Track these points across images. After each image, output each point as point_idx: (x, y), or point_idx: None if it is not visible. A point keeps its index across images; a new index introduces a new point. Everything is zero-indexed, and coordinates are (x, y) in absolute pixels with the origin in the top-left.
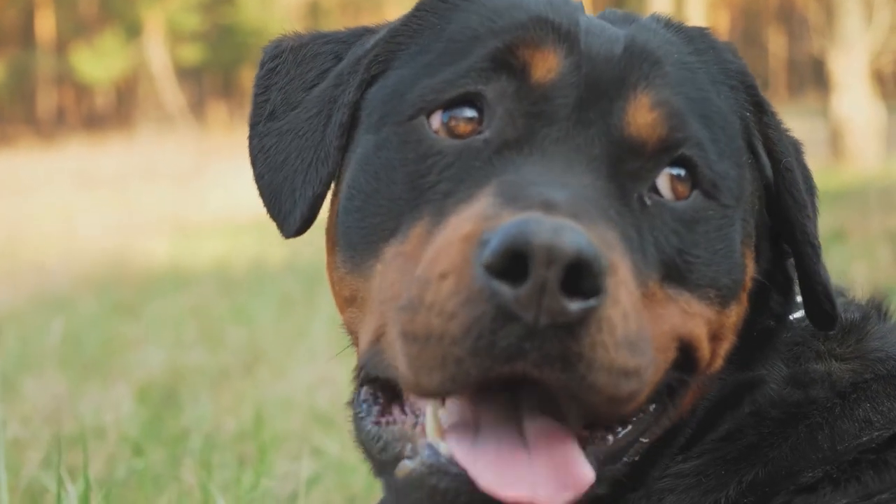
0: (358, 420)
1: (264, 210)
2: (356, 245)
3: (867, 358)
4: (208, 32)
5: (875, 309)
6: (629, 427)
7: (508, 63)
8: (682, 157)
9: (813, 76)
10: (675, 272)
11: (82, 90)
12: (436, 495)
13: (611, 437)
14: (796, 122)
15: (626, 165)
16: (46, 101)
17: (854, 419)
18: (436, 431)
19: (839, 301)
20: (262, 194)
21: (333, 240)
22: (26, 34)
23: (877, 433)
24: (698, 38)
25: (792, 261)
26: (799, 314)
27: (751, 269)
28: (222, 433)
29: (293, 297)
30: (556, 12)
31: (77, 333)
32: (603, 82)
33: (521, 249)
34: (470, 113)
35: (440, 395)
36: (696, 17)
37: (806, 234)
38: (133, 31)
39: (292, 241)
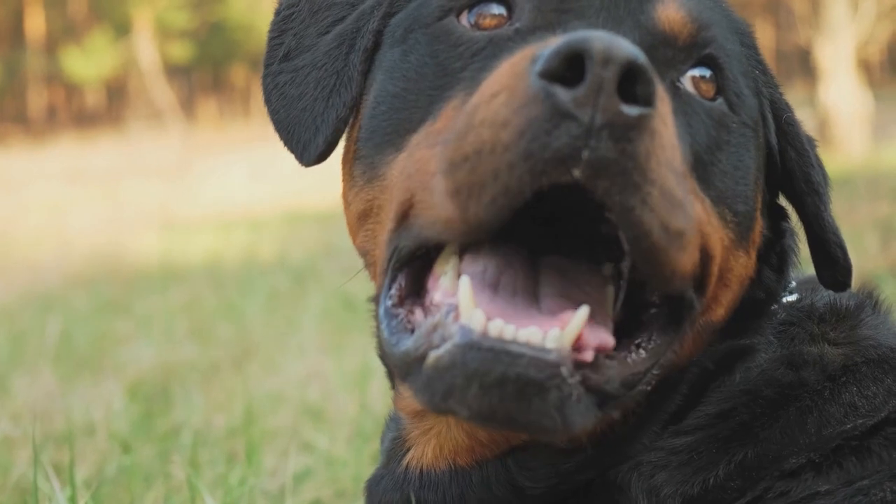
0: (384, 323)
1: (283, 146)
2: (379, 145)
3: (859, 345)
4: (197, 30)
5: (868, 298)
6: (643, 353)
7: None
8: (710, 56)
9: (800, 66)
10: (701, 168)
11: (72, 88)
12: (468, 373)
13: (630, 359)
14: None
15: (658, 54)
16: (37, 99)
17: (841, 403)
18: (472, 302)
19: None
20: (278, 129)
21: (352, 158)
22: (16, 33)
23: (860, 420)
24: None
25: (786, 241)
26: (793, 297)
27: (759, 223)
28: (212, 429)
29: (283, 292)
30: None
31: (68, 330)
32: None
33: (578, 51)
34: (497, 9)
35: (488, 228)
36: None
37: (811, 183)
38: (122, 29)
39: (282, 237)
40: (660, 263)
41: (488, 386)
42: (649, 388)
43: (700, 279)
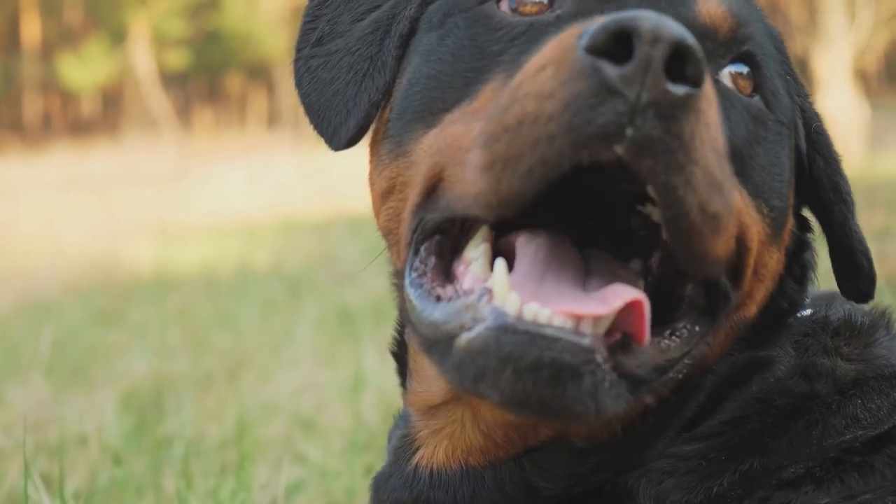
0: (407, 296)
1: (311, 127)
2: (409, 122)
3: (872, 363)
4: (193, 38)
5: (882, 317)
6: (678, 341)
7: None
8: (749, 53)
9: (797, 74)
10: (740, 160)
11: (68, 96)
12: (502, 357)
13: (664, 345)
14: None
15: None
16: (32, 107)
17: (844, 415)
18: (507, 285)
19: (846, 307)
20: (309, 112)
21: (380, 139)
22: (12, 40)
23: (861, 432)
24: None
25: (808, 254)
26: (807, 312)
27: (791, 221)
28: (205, 440)
29: (278, 301)
30: None
31: (62, 340)
32: None
33: (627, 28)
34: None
35: (519, 200)
36: None
37: (839, 192)
38: (118, 37)
39: (278, 247)
40: (694, 245)
41: (523, 370)
42: (680, 375)
43: (735, 270)
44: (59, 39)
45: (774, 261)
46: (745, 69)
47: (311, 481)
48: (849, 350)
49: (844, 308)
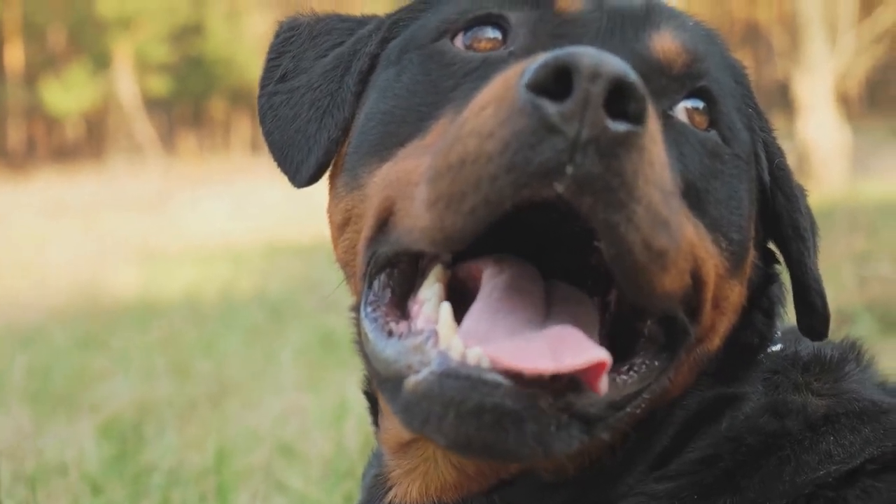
0: (363, 330)
1: (274, 163)
2: (364, 156)
3: (842, 397)
4: (177, 63)
5: (851, 350)
6: (635, 377)
7: None
8: (704, 88)
9: (779, 99)
10: (694, 194)
11: (52, 122)
12: (444, 401)
13: (620, 381)
14: None
15: (652, 83)
16: (16, 132)
17: (817, 452)
18: (451, 329)
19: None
20: (272, 150)
21: (338, 172)
22: None
23: (834, 467)
24: (713, 31)
25: (775, 287)
26: (777, 347)
27: (752, 254)
28: (185, 468)
29: (262, 327)
30: None
31: (45, 366)
32: (627, 21)
33: (566, 65)
34: (493, 33)
35: (464, 237)
36: None
37: (797, 229)
38: (102, 62)
39: (261, 272)
40: (641, 281)
41: (465, 414)
42: (638, 410)
43: (693, 304)
44: (43, 65)
45: (736, 294)
46: (700, 104)
47: None
48: (819, 385)
49: (814, 343)
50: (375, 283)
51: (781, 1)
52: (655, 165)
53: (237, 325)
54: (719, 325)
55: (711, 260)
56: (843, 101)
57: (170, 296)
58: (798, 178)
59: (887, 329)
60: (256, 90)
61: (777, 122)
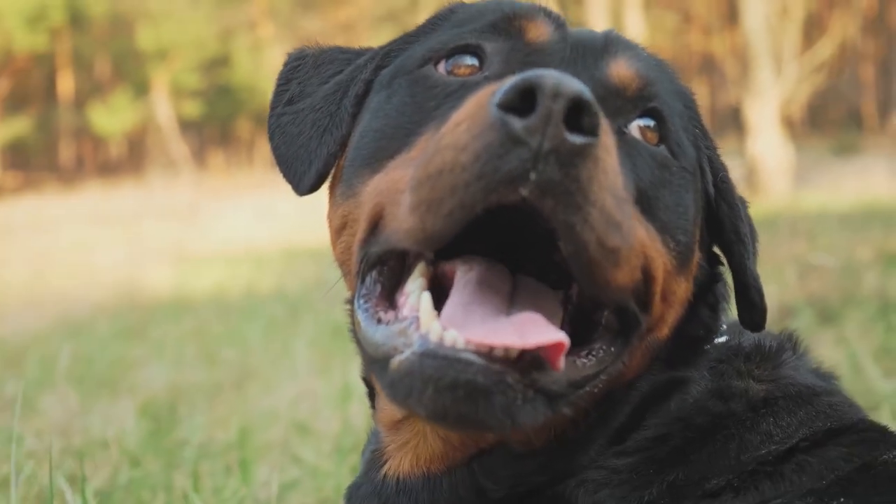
0: (356, 319)
1: (280, 175)
2: (359, 168)
3: (779, 382)
4: (207, 90)
5: (789, 340)
6: (593, 360)
7: (505, 28)
8: (654, 108)
9: (731, 121)
10: (646, 200)
11: (98, 141)
12: (424, 378)
13: (580, 363)
14: None
15: (608, 103)
16: (67, 150)
17: (758, 432)
18: (431, 315)
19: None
20: (279, 162)
21: (336, 181)
22: (49, 93)
23: (774, 447)
24: (663, 61)
25: (720, 285)
26: (723, 339)
27: (697, 255)
28: (213, 443)
29: (280, 320)
30: (548, 8)
31: (90, 354)
32: (588, 51)
33: (532, 85)
34: (470, 60)
35: (443, 237)
36: None
37: (738, 234)
38: (142, 89)
39: (280, 272)
40: (596, 275)
41: (442, 389)
42: (596, 390)
43: (644, 297)
44: (91, 92)
45: (683, 289)
46: (651, 122)
47: (305, 480)
48: (759, 372)
49: (755, 335)
50: (368, 279)
51: (733, 35)
52: (609, 173)
53: (258, 319)
54: (668, 316)
55: (660, 258)
56: (788, 122)
57: (200, 293)
58: (747, 190)
59: (824, 321)
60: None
61: (729, 142)
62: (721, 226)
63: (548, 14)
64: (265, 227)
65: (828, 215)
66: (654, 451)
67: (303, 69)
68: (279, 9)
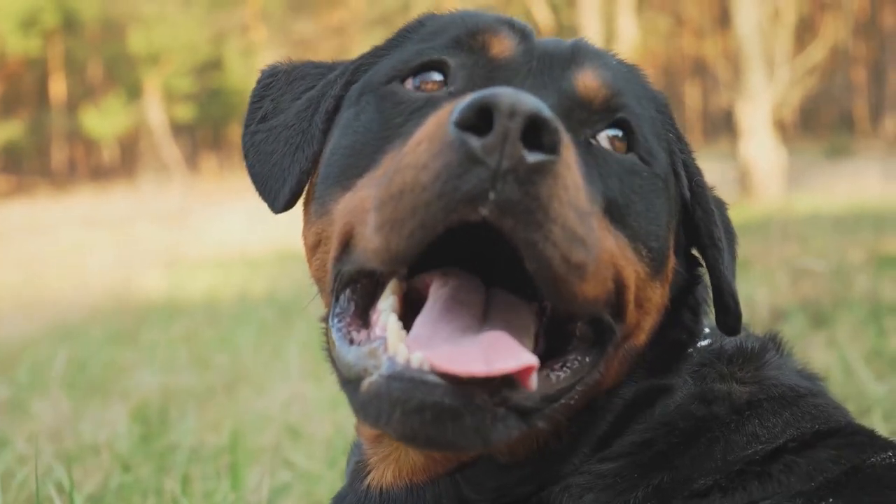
0: (330, 338)
1: (257, 195)
2: (330, 186)
3: (763, 384)
4: (199, 94)
5: (772, 342)
6: (568, 372)
7: (469, 44)
8: (622, 119)
9: (724, 124)
10: (616, 210)
11: (91, 145)
12: (391, 400)
13: (553, 377)
14: (711, 164)
15: (575, 115)
16: (59, 154)
17: (744, 433)
18: (398, 337)
19: (740, 335)
20: (254, 181)
21: (310, 199)
22: (41, 96)
23: (760, 447)
24: (634, 68)
25: (700, 288)
26: (706, 342)
27: (672, 260)
28: (204, 448)
29: (271, 324)
30: (515, 19)
31: (82, 358)
32: (554, 63)
33: (488, 104)
34: (436, 76)
35: (407, 256)
36: None
37: (712, 238)
38: (134, 93)
39: (272, 276)
40: (562, 290)
41: (409, 412)
42: (572, 401)
43: (617, 306)
44: (83, 95)
45: (658, 295)
46: (619, 132)
47: (296, 484)
48: (742, 374)
49: (736, 337)
50: (342, 297)
51: (726, 38)
52: (570, 189)
53: (250, 323)
54: (644, 323)
55: (632, 267)
56: (780, 126)
57: (192, 297)
58: (740, 193)
59: (816, 324)
60: None
61: (722, 145)
62: (697, 230)
63: (513, 26)
64: (257, 231)
65: (820, 218)
66: (638, 455)
67: (275, 86)
68: (271, 12)
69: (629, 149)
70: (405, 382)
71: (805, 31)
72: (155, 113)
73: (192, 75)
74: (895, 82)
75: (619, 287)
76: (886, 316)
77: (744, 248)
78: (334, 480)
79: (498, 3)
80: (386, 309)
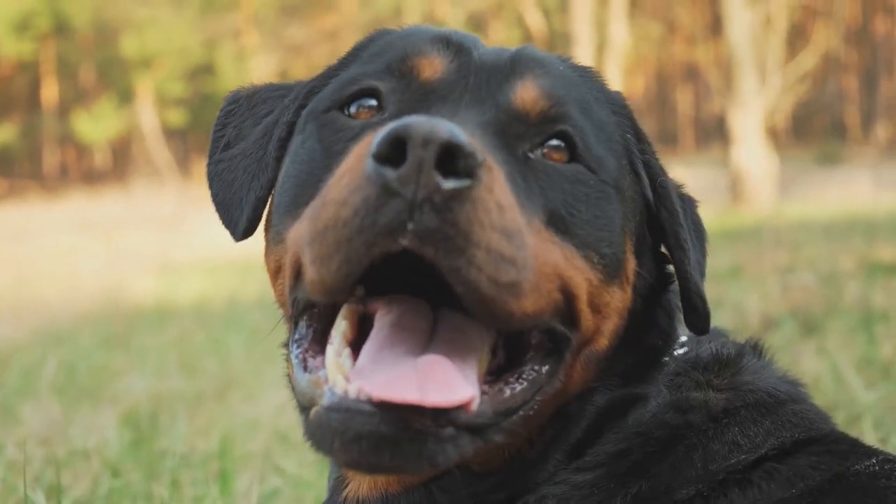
0: (289, 365)
1: (230, 240)
2: (282, 215)
3: (739, 390)
4: (191, 98)
5: (751, 347)
6: (525, 384)
7: (400, 69)
8: (563, 131)
9: (716, 131)
10: (559, 221)
11: (82, 149)
12: (331, 431)
13: (508, 391)
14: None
15: (512, 129)
16: (51, 158)
17: (724, 442)
18: (336, 369)
19: (719, 341)
20: (217, 209)
21: (268, 227)
22: (33, 100)
23: (743, 456)
24: (587, 70)
25: (673, 287)
26: (682, 350)
27: (632, 262)
28: (195, 453)
29: (263, 329)
30: (455, 34)
31: (72, 363)
32: (493, 76)
33: (401, 135)
34: (370, 102)
35: (341, 289)
36: (614, 81)
37: (678, 240)
38: (126, 97)
39: (262, 281)
40: (495, 311)
41: (347, 442)
42: (532, 412)
43: (569, 315)
44: (75, 99)
45: (618, 298)
46: (560, 143)
47: (286, 490)
48: (718, 381)
49: (713, 344)
50: (300, 323)
51: (717, 45)
52: (492, 211)
53: (241, 328)
54: (604, 327)
55: (582, 275)
56: (772, 132)
57: (182, 302)
58: (731, 199)
59: (807, 332)
60: None
61: (713, 151)
62: (663, 231)
63: (449, 43)
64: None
65: (811, 225)
66: (614, 466)
67: (237, 112)
68: (264, 17)
69: (572, 158)
70: (342, 413)
71: (797, 38)
72: (147, 117)
73: (185, 80)
74: (887, 90)
75: (568, 296)
76: (877, 323)
77: (735, 255)
78: (324, 487)
79: (490, 8)
80: (337, 335)
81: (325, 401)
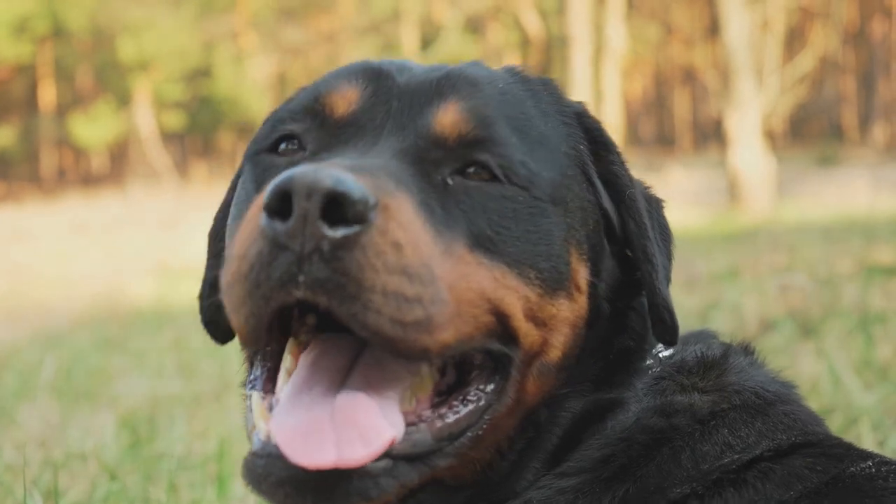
0: (246, 405)
1: None
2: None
3: (725, 391)
4: (189, 101)
5: (741, 349)
6: (470, 405)
7: (313, 108)
8: (480, 160)
9: (713, 133)
10: (487, 241)
11: (80, 152)
12: (257, 476)
13: (451, 415)
14: (700, 172)
15: (430, 155)
16: (48, 161)
17: (714, 443)
18: (259, 415)
19: (706, 343)
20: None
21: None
22: (30, 103)
23: (736, 456)
24: (538, 83)
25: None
26: (668, 352)
27: (582, 272)
28: (193, 456)
29: None
30: (379, 62)
31: (70, 365)
32: (417, 99)
33: (286, 189)
34: (292, 144)
35: (255, 338)
36: (612, 85)
37: (646, 254)
38: (124, 100)
39: None
40: (403, 348)
41: (272, 486)
42: (481, 432)
43: (506, 334)
44: (72, 102)
45: (566, 309)
46: (482, 168)
47: None
48: (704, 384)
49: (699, 346)
50: (256, 363)
51: (715, 47)
52: (387, 254)
53: None
54: (553, 339)
55: (516, 293)
56: (769, 134)
57: (180, 304)
58: (729, 201)
59: (805, 334)
60: (258, 125)
61: (711, 153)
62: (631, 243)
63: (366, 73)
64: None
65: (809, 227)
66: (599, 471)
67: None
68: (261, 19)
69: (496, 178)
70: (264, 458)
71: (794, 41)
72: (144, 120)
73: (182, 82)
74: (884, 92)
75: (501, 317)
76: (875, 325)
77: (732, 257)
78: None
79: (487, 12)
80: (283, 373)
81: (252, 446)
